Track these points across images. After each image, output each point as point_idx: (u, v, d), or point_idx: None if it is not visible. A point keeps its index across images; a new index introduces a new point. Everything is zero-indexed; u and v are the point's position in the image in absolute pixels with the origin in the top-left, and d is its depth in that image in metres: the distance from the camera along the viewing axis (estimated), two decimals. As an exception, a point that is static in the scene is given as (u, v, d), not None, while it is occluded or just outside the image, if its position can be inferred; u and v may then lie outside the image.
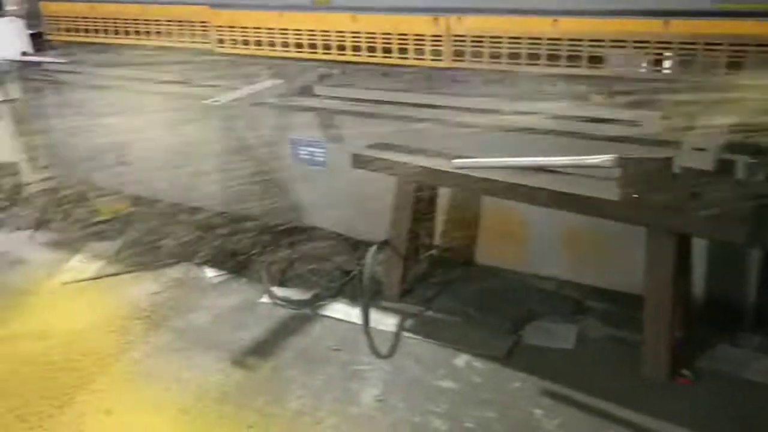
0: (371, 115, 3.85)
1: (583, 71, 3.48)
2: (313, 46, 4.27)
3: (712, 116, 2.94)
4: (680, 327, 3.04)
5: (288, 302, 3.73)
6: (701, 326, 3.20)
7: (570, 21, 3.45)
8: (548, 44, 3.52)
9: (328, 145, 4.15)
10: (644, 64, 3.40)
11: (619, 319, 3.35)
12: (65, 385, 3.12)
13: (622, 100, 3.28)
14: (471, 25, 3.72)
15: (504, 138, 3.42)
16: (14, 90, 4.87)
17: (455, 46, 3.79)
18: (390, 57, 4.00)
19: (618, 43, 3.36)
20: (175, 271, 4.13)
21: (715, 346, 3.13)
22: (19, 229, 4.77)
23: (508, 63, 3.66)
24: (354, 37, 4.09)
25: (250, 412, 2.92)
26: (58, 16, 5.43)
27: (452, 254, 3.98)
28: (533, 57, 3.57)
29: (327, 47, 4.22)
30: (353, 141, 3.88)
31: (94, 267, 4.22)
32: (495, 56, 3.68)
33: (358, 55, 4.11)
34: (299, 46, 4.32)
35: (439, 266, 3.93)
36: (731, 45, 3.13)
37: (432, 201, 3.75)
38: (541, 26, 3.51)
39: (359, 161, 3.60)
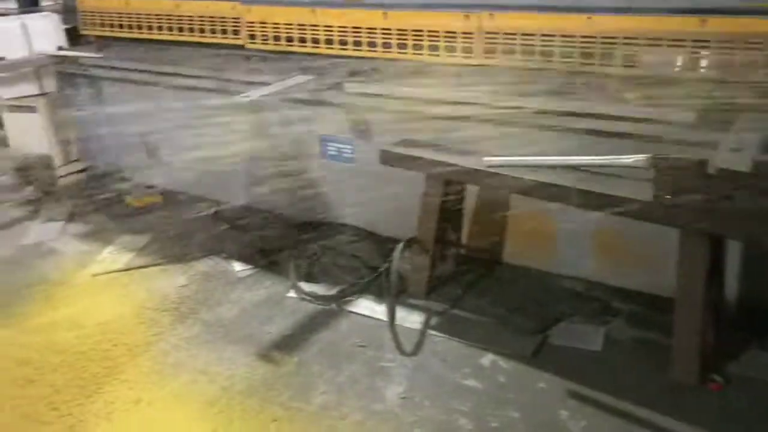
0: (395, 113, 3.85)
1: (617, 70, 3.43)
2: (343, 42, 4.28)
3: (749, 116, 2.88)
4: (712, 331, 2.98)
5: (314, 297, 3.74)
6: (733, 331, 3.14)
7: (605, 18, 3.40)
8: (582, 42, 3.48)
9: (356, 141, 4.15)
10: (679, 63, 3.34)
11: (648, 322, 3.30)
12: (95, 375, 3.17)
13: (656, 99, 3.22)
14: (503, 22, 3.69)
15: (534, 136, 3.39)
16: (50, 84, 4.95)
17: (487, 43, 3.77)
18: (420, 54, 3.99)
19: (653, 41, 3.31)
20: (203, 265, 4.16)
21: (748, 352, 3.07)
22: (52, 220, 4.85)
23: (540, 60, 3.62)
24: (385, 33, 4.08)
25: (275, 406, 2.93)
26: (93, 12, 5.53)
27: (479, 252, 3.96)
28: (566, 55, 3.53)
29: (357, 44, 4.23)
30: (382, 138, 3.87)
31: (124, 259, 4.28)
32: (527, 53, 3.65)
33: (389, 52, 4.11)
34: (330, 42, 4.33)
35: (465, 264, 3.91)
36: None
37: (460, 198, 3.72)
38: (576, 24, 3.47)
39: (387, 158, 3.59)
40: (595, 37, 3.45)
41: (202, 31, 4.90)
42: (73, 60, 5.04)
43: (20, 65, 4.74)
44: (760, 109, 2.96)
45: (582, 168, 3.10)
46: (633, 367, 3.06)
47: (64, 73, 5.17)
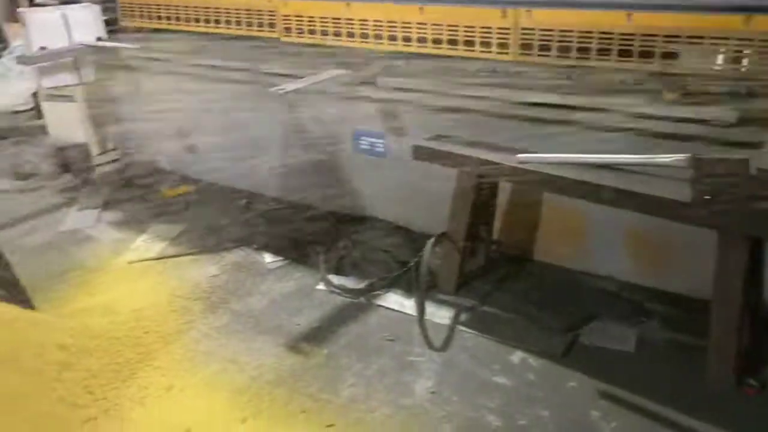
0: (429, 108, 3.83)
1: (656, 67, 3.37)
2: (378, 37, 4.27)
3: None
4: (748, 334, 2.93)
5: (344, 290, 3.76)
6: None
7: (645, 15, 3.35)
8: (620, 39, 3.42)
9: (389, 136, 4.15)
10: (720, 61, 3.27)
11: (682, 324, 3.25)
12: (129, 360, 3.23)
13: (696, 97, 3.16)
14: (540, 18, 3.65)
15: (569, 133, 3.36)
16: (89, 74, 5.03)
17: (523, 39, 3.73)
18: (456, 49, 3.97)
19: (695, 39, 3.24)
20: (235, 255, 4.21)
21: (785, 357, 3.01)
22: (88, 207, 4.94)
23: (577, 57, 3.58)
24: (420, 28, 4.07)
25: (303, 397, 2.95)
26: (132, 3, 5.61)
27: (511, 249, 3.93)
28: (603, 52, 3.48)
29: (392, 38, 4.22)
30: (415, 132, 3.86)
31: (157, 247, 4.34)
32: (564, 50, 3.61)
33: (424, 47, 4.09)
34: (365, 36, 4.33)
35: (496, 261, 3.90)
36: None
37: (492, 194, 3.70)
38: (614, 20, 3.42)
39: (420, 153, 3.58)
40: (634, 35, 3.39)
41: (238, 23, 4.95)
42: (112, 51, 5.11)
43: (60, 55, 4.81)
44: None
45: (617, 167, 3.05)
46: (666, 369, 3.02)
47: (103, 63, 5.25)
